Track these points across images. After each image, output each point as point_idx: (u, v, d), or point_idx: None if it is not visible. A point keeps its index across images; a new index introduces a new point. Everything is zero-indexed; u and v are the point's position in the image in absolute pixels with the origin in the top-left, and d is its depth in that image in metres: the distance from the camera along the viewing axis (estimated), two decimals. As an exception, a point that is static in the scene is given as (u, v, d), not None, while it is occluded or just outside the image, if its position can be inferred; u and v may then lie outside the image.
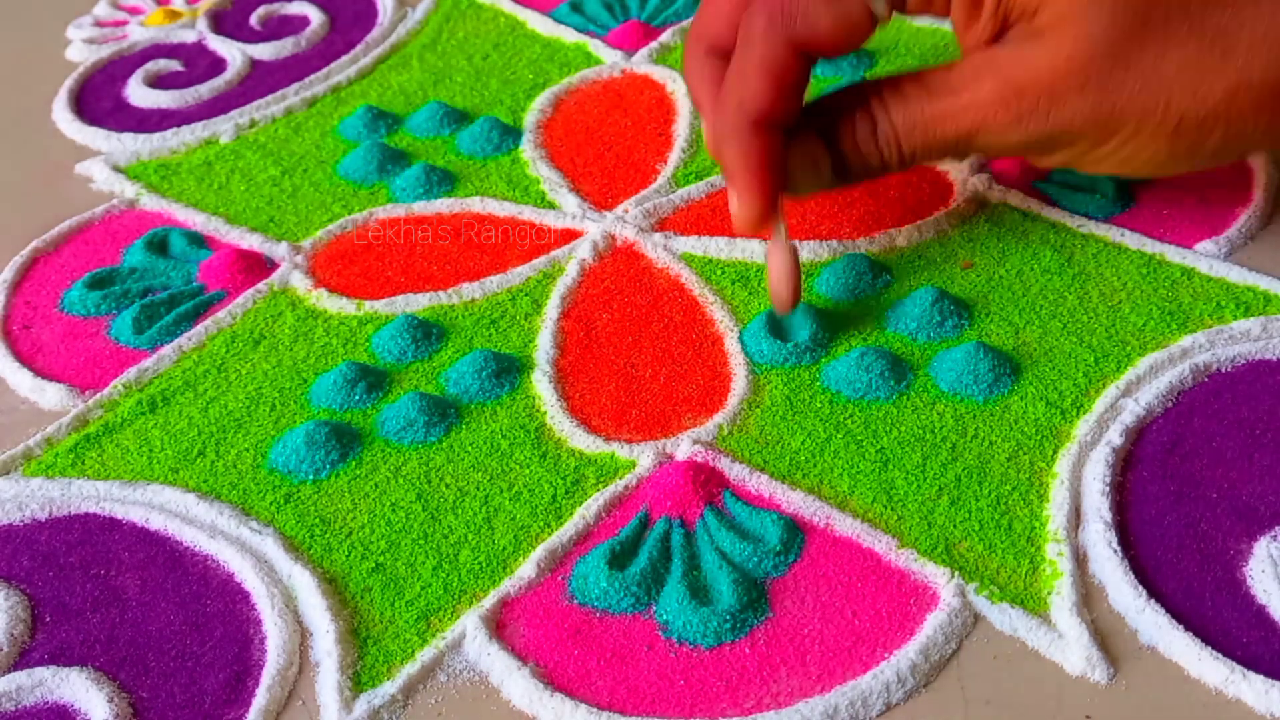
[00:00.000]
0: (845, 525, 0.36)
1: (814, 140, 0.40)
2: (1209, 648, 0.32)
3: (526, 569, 0.36)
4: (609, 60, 0.58)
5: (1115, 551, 0.34)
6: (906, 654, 0.33)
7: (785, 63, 0.39)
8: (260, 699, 0.33)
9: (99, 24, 0.65)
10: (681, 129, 0.53)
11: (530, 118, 0.55)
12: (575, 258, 0.47)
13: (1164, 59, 0.36)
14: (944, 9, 0.40)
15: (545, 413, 0.41)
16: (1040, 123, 0.37)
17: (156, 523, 0.38)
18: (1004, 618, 0.33)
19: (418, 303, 0.45)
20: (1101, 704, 0.31)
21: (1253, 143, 0.38)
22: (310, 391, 0.42)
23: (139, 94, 0.58)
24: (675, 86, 0.55)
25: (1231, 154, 0.39)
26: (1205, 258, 0.43)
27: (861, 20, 0.39)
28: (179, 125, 0.56)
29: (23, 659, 0.35)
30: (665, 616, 0.34)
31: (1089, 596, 0.34)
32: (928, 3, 0.40)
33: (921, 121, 0.39)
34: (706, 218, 0.48)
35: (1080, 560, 0.35)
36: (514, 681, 0.33)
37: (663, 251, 0.46)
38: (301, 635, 0.35)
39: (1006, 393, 0.40)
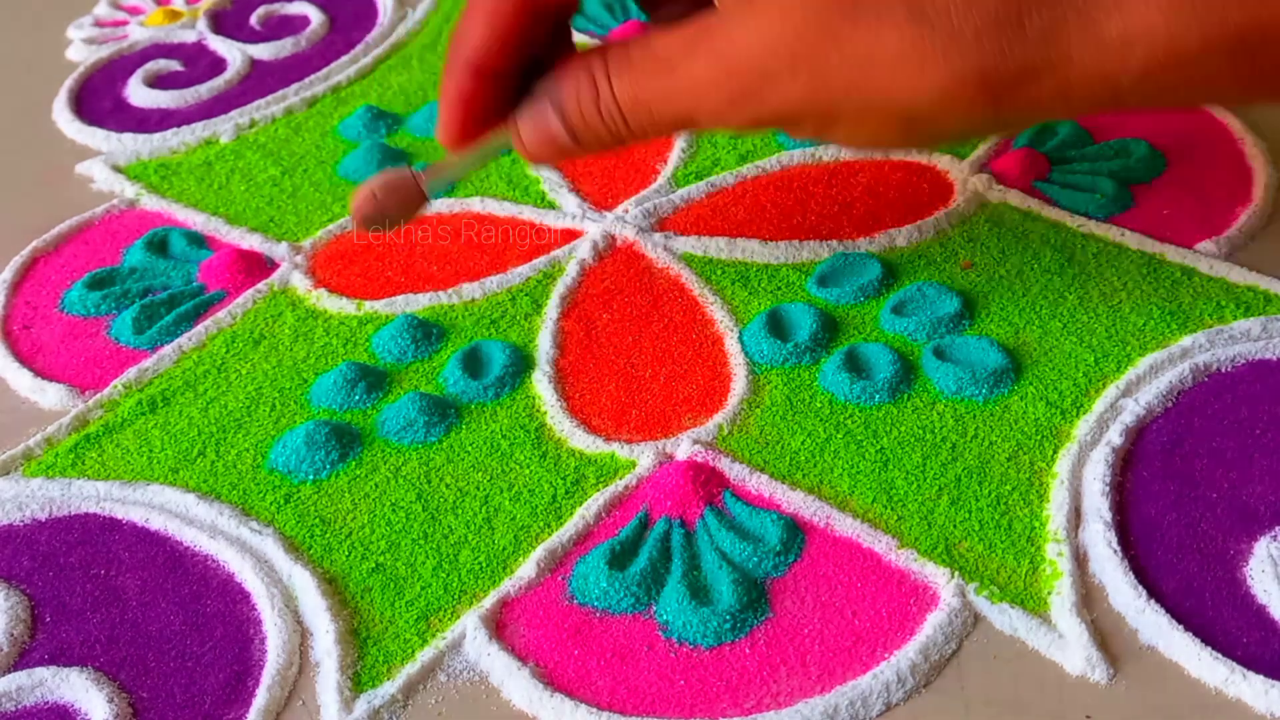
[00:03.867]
0: (845, 525, 0.36)
1: (547, 105, 0.38)
2: (1209, 648, 0.32)
3: (526, 569, 0.36)
4: (609, 60, 0.57)
5: (1115, 551, 0.34)
6: (906, 654, 0.33)
7: (505, 13, 0.38)
8: (260, 699, 0.33)
9: (99, 24, 0.65)
10: (681, 129, 0.53)
11: (530, 118, 0.55)
12: (575, 258, 0.47)
13: (880, 44, 0.32)
14: None
15: (545, 413, 0.41)
16: (755, 106, 0.34)
17: (156, 523, 0.38)
18: (1004, 618, 0.33)
19: (418, 303, 0.45)
20: (1101, 704, 0.31)
21: (981, 129, 0.38)
22: (310, 392, 0.42)
23: (139, 94, 0.58)
24: (675, 86, 0.55)
25: (966, 137, 0.41)
26: (1205, 257, 0.43)
27: None
28: (179, 125, 0.56)
29: (23, 659, 0.35)
30: (665, 616, 0.34)
31: (1089, 596, 0.34)
32: None
33: (643, 99, 0.36)
34: (706, 218, 0.48)
35: (1080, 560, 0.35)
36: (514, 681, 0.33)
37: (663, 251, 0.46)
38: (301, 635, 0.35)
39: (1006, 393, 0.40)
